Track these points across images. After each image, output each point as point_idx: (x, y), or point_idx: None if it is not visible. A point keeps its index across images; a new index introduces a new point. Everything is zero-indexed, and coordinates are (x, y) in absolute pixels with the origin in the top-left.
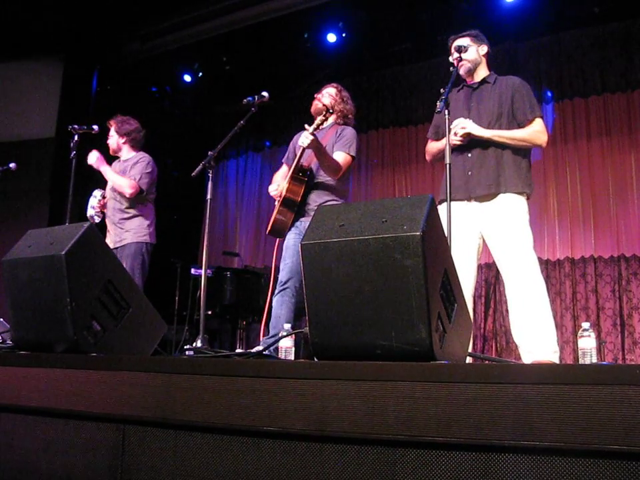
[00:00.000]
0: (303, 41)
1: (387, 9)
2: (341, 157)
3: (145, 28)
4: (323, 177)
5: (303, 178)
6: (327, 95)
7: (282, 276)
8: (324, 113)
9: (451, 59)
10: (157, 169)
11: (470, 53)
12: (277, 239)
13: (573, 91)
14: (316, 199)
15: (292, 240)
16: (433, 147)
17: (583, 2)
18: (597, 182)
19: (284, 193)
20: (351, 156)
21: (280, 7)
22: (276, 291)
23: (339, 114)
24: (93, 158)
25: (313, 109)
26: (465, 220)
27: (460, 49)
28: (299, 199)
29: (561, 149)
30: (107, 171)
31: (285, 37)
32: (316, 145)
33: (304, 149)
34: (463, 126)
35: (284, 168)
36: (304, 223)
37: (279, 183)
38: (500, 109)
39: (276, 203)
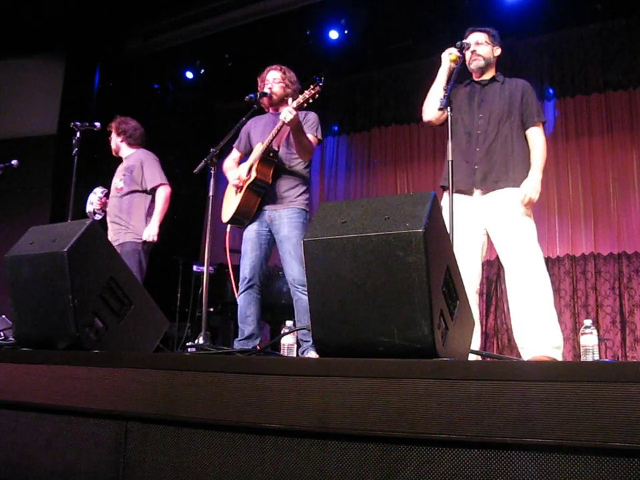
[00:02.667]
0: (305, 38)
1: (389, 6)
2: (309, 139)
3: (147, 25)
4: (291, 162)
5: (274, 159)
6: (275, 83)
7: (245, 272)
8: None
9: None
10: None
11: (485, 50)
12: (228, 229)
13: (574, 88)
14: (285, 185)
15: (254, 232)
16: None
17: None
18: (598, 179)
19: (254, 175)
20: (318, 139)
21: (282, 4)
22: (240, 289)
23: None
24: (147, 233)
25: (267, 102)
26: (469, 216)
27: (462, 46)
28: (270, 181)
29: (562, 146)
30: (155, 224)
31: (287, 34)
32: (297, 122)
33: (281, 127)
34: (531, 197)
35: (235, 153)
36: (268, 213)
37: (237, 170)
38: (510, 107)
39: (234, 188)
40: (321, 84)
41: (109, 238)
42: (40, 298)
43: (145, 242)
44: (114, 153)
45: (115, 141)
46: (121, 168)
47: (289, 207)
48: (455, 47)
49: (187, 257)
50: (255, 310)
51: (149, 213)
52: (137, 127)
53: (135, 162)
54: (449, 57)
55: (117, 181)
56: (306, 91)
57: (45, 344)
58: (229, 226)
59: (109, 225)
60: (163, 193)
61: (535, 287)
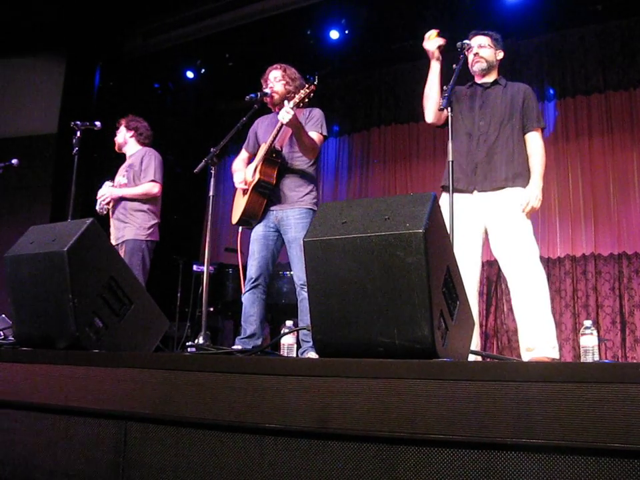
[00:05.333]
0: (306, 38)
1: (390, 6)
2: (314, 136)
3: (148, 24)
4: (295, 161)
5: (277, 160)
6: (276, 82)
7: (251, 272)
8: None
9: (470, 55)
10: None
11: (488, 53)
12: (240, 230)
13: (575, 89)
14: (290, 185)
15: (261, 232)
16: (435, 109)
17: None
18: (599, 179)
19: (258, 176)
20: (324, 136)
21: (283, 3)
22: (246, 288)
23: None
24: (107, 192)
25: (270, 102)
26: (469, 215)
27: (462, 46)
28: (274, 182)
29: (562, 147)
30: (123, 192)
31: (287, 34)
32: (296, 122)
33: (280, 128)
34: (533, 205)
35: (244, 154)
36: (275, 213)
37: (244, 172)
38: (512, 110)
39: (240, 191)
40: (315, 82)
41: (113, 236)
42: (40, 297)
43: (148, 240)
44: (117, 148)
45: (124, 135)
46: (124, 165)
47: (296, 207)
48: (457, 45)
49: (187, 257)
50: (259, 310)
51: (150, 210)
52: (148, 128)
53: (137, 159)
54: (437, 49)
55: (120, 178)
56: (301, 91)
57: (44, 343)
58: (240, 227)
59: (113, 222)
60: (148, 186)
61: (531, 287)
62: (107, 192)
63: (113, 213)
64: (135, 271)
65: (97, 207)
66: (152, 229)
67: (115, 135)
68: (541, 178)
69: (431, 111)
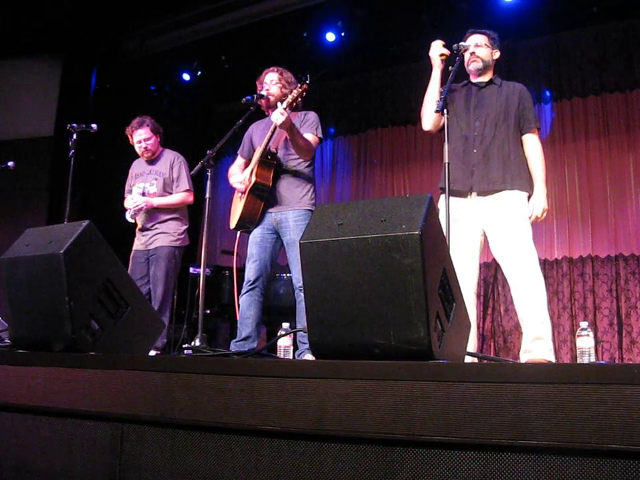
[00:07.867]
0: (302, 40)
1: (386, 7)
2: (310, 138)
3: (144, 26)
4: (291, 162)
5: (272, 162)
6: (272, 84)
7: (250, 274)
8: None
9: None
10: None
11: (484, 52)
12: (238, 234)
13: (571, 91)
14: (287, 186)
15: (259, 236)
16: (433, 115)
17: (582, 1)
18: (595, 182)
19: (254, 179)
20: (319, 138)
21: (279, 5)
22: (243, 290)
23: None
24: (142, 201)
25: (265, 104)
26: (466, 217)
27: (459, 48)
28: (270, 184)
29: (559, 149)
30: (160, 201)
31: (283, 36)
32: (290, 123)
33: (274, 130)
34: (538, 215)
35: (239, 160)
36: (274, 215)
37: (244, 175)
38: (507, 110)
39: (239, 194)
40: (307, 82)
41: (141, 242)
42: (36, 300)
43: (179, 247)
44: (151, 155)
45: (157, 142)
46: (146, 170)
47: (295, 208)
48: (450, 47)
49: (184, 259)
50: (255, 312)
51: (181, 216)
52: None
53: (165, 165)
54: (439, 57)
55: (148, 185)
56: (294, 91)
57: (41, 346)
58: (238, 232)
59: (141, 229)
60: (184, 195)
61: (529, 292)
62: (140, 201)
63: (142, 219)
64: (170, 275)
65: (129, 215)
66: (183, 235)
67: (147, 142)
68: (544, 184)
69: (429, 119)
